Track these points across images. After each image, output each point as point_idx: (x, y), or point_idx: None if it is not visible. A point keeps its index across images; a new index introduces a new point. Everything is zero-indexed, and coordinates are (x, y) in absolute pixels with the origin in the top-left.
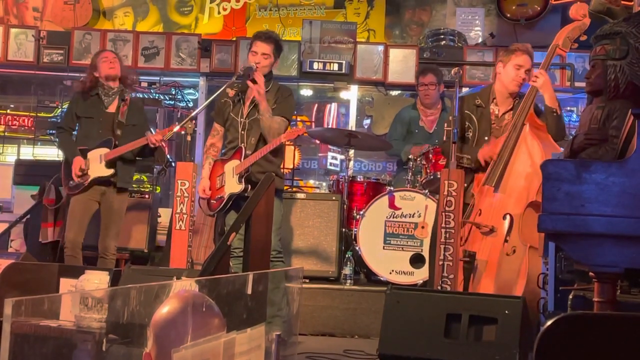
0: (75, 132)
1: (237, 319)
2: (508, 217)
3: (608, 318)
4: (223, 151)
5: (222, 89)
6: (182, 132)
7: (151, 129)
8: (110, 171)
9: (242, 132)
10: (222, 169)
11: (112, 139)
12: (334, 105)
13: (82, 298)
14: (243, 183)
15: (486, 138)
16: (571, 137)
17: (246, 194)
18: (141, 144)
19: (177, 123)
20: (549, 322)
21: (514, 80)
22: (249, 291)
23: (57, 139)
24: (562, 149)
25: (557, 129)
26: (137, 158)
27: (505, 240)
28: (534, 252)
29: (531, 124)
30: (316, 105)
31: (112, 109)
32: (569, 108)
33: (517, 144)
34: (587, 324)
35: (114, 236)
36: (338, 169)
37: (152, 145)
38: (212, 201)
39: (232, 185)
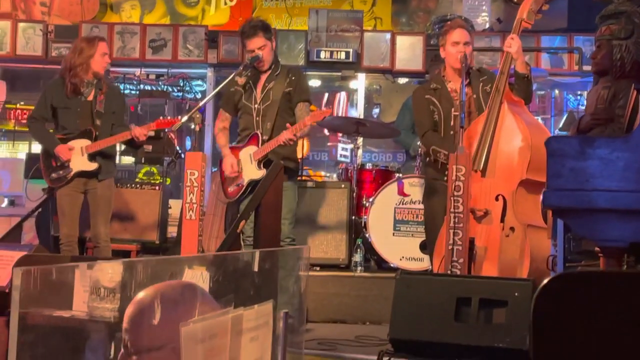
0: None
1: (244, 295)
2: (500, 197)
3: (605, 275)
4: (237, 139)
5: (228, 79)
6: (191, 124)
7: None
8: (95, 165)
9: (257, 118)
10: (237, 156)
11: (92, 130)
12: (342, 94)
13: (94, 288)
14: (263, 169)
15: (454, 114)
16: (578, 118)
17: None
18: (125, 138)
19: (161, 118)
20: (546, 280)
21: (454, 56)
22: (256, 268)
23: (29, 129)
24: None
25: (526, 93)
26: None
27: (502, 221)
28: (534, 230)
29: (508, 101)
30: (326, 96)
31: (89, 98)
32: (578, 92)
33: (497, 124)
34: (584, 281)
35: (103, 223)
36: (348, 160)
37: (137, 140)
38: (229, 189)
39: (252, 172)
